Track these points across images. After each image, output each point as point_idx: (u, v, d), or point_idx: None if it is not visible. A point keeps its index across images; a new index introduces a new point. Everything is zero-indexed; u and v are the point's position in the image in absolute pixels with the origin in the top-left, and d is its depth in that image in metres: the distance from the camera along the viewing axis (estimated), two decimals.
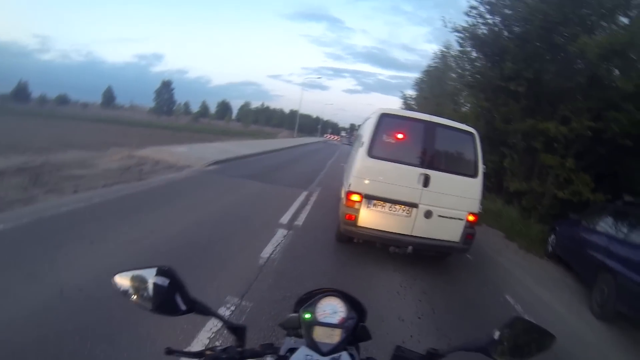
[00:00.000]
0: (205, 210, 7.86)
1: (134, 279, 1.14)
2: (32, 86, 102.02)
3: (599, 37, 9.40)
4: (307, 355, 1.16)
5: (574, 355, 4.68)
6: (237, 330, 1.23)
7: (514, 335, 1.15)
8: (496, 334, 1.14)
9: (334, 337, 1.21)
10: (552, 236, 9.49)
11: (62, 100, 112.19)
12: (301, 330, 1.26)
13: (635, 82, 8.95)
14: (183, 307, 1.15)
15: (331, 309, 1.27)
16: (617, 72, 10.43)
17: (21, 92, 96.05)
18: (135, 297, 1.14)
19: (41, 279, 4.03)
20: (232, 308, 4.13)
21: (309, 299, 1.32)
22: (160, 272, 1.15)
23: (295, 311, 1.33)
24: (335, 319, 1.25)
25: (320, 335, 1.21)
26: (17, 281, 3.91)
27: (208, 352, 1.14)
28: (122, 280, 1.15)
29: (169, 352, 1.10)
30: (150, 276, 1.14)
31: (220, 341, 3.45)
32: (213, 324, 3.64)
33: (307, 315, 1.25)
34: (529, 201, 12.59)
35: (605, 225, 7.24)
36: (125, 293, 1.14)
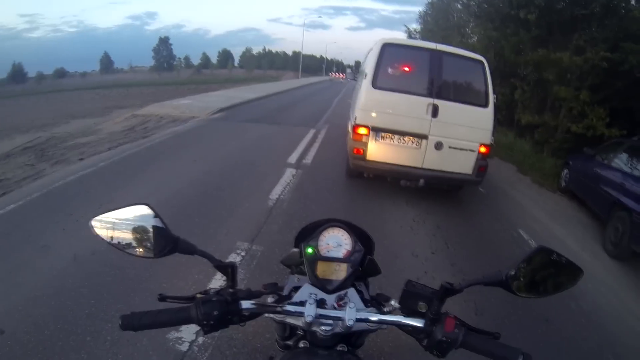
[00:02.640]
0: (212, 159, 7.71)
1: (120, 224, 1.07)
2: (28, 66, 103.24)
3: None
4: (311, 293, 1.10)
5: (587, 293, 4.55)
6: (226, 269, 1.10)
7: (536, 267, 1.03)
8: (517, 266, 1.02)
9: (340, 272, 1.15)
10: (566, 171, 9.25)
11: (60, 74, 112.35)
12: (304, 267, 1.20)
13: None
14: (167, 247, 1.06)
15: (335, 242, 1.19)
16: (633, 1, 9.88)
17: (17, 74, 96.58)
18: (139, 249, 1.07)
19: (55, 249, 4.00)
20: (243, 254, 4.07)
21: (311, 232, 1.23)
22: (146, 211, 1.08)
23: (297, 246, 1.27)
24: (340, 253, 1.18)
25: (325, 271, 1.15)
26: (32, 253, 3.90)
27: (199, 296, 1.07)
28: (105, 227, 1.08)
29: (162, 298, 1.06)
30: (138, 217, 1.07)
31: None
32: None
33: (309, 250, 1.17)
34: (541, 135, 12.30)
35: (621, 161, 6.94)
36: (117, 244, 1.07)
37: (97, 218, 1.07)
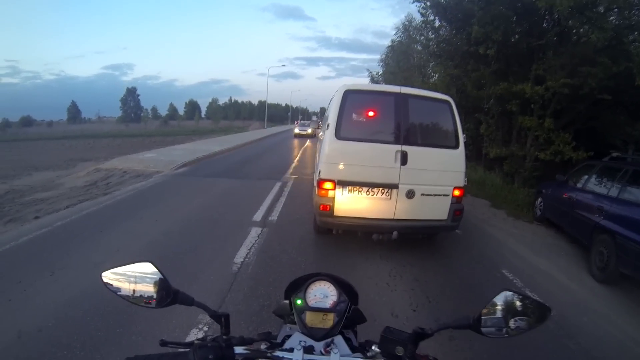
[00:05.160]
0: (173, 218, 7.36)
1: (125, 278, 1.20)
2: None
3: None
4: (301, 341, 1.18)
5: (583, 326, 4.36)
6: (220, 318, 1.22)
7: (502, 309, 1.12)
8: (483, 310, 1.13)
9: (327, 321, 1.23)
10: (539, 199, 9.21)
11: (26, 122, 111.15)
12: (294, 317, 1.27)
13: (609, 34, 8.63)
14: (168, 298, 1.20)
15: (322, 294, 1.29)
16: (586, 27, 10.11)
17: None
18: (143, 300, 1.20)
19: None
20: (205, 329, 3.62)
21: (299, 285, 1.32)
22: (149, 267, 1.21)
23: (287, 298, 1.35)
24: (327, 303, 1.26)
25: (313, 320, 1.23)
26: None
27: (197, 342, 1.13)
28: (112, 280, 1.20)
29: (163, 343, 1.14)
30: (141, 272, 1.21)
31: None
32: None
33: (298, 302, 1.27)
34: (510, 166, 12.36)
35: (596, 183, 6.94)
36: (124, 296, 1.20)
37: (107, 272, 1.21)
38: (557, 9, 9.14)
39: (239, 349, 1.17)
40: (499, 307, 1.11)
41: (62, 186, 11.34)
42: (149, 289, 1.20)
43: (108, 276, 1.20)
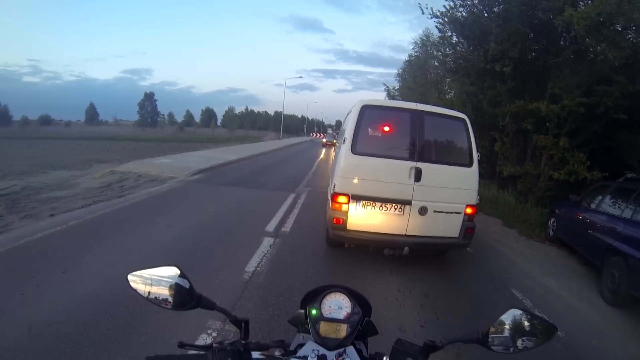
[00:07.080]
0: (187, 224, 7.43)
1: (150, 280, 1.24)
2: (20, 109, 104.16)
3: (584, 8, 9.02)
4: (314, 349, 1.22)
5: (592, 350, 4.32)
6: (240, 323, 1.27)
7: (510, 326, 1.14)
8: (492, 326, 1.16)
9: (340, 332, 1.25)
10: (552, 219, 9.13)
11: (45, 120, 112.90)
12: (308, 326, 1.30)
13: (626, 52, 8.60)
14: (191, 302, 1.24)
15: (336, 305, 1.31)
16: (603, 45, 10.08)
17: (2, 117, 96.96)
18: (165, 303, 1.23)
19: (9, 316, 3.71)
20: (214, 334, 3.65)
21: (315, 296, 1.35)
22: (174, 271, 1.25)
23: (302, 308, 1.37)
24: (341, 315, 1.29)
25: (327, 330, 1.25)
26: None
27: (215, 345, 1.17)
28: (137, 282, 1.25)
29: (181, 345, 1.17)
30: (167, 276, 1.24)
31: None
32: None
33: (313, 312, 1.30)
34: (524, 185, 12.26)
35: (610, 205, 6.87)
36: (148, 297, 1.23)
37: (133, 273, 1.25)
38: (574, 27, 9.14)
39: (255, 354, 1.20)
40: (507, 326, 1.14)
41: (77, 186, 11.49)
42: (173, 292, 1.22)
43: (134, 277, 1.24)
